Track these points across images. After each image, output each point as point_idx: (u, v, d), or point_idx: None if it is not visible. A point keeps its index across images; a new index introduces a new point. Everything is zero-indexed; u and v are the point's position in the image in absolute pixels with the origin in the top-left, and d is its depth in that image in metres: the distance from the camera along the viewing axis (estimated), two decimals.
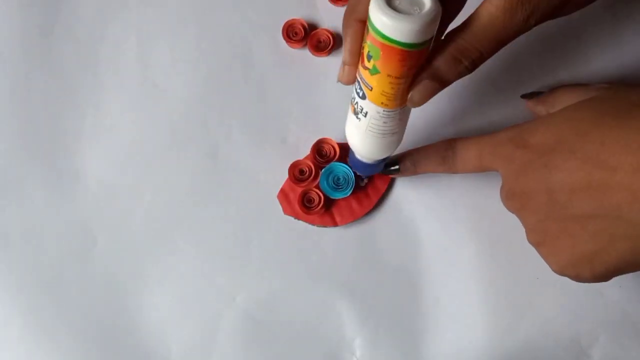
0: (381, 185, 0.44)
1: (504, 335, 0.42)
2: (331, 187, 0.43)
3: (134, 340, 0.44)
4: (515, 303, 0.43)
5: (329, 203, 0.44)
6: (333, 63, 0.46)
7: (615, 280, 0.42)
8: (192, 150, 0.46)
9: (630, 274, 0.42)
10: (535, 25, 0.32)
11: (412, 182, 0.44)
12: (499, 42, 0.32)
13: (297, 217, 0.44)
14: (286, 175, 0.44)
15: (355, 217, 0.44)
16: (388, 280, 0.44)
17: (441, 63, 0.32)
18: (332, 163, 0.43)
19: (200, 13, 0.47)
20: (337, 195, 0.43)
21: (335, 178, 0.43)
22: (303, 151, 0.45)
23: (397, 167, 0.41)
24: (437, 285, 0.43)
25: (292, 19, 0.46)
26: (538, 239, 0.34)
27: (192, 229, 0.45)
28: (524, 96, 0.43)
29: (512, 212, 0.36)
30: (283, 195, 0.44)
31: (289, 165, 0.44)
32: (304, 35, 0.46)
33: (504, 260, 0.43)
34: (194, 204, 0.45)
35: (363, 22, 0.33)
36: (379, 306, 0.43)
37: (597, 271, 0.32)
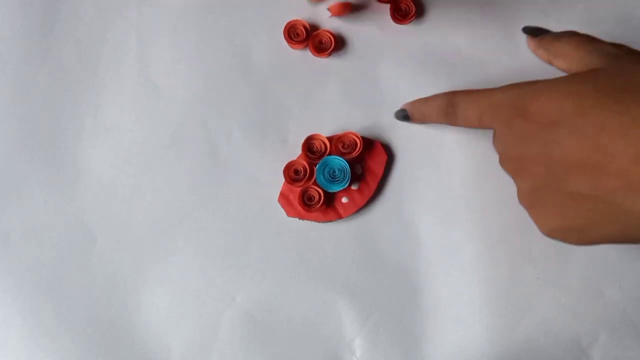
0: (377, 169, 0.44)
1: (504, 335, 0.42)
2: (328, 181, 0.43)
3: (133, 340, 0.44)
4: (515, 303, 0.43)
5: (330, 198, 0.44)
6: (334, 64, 0.46)
7: (615, 280, 0.43)
8: (192, 150, 0.46)
9: (631, 275, 0.43)
10: None
11: (411, 182, 0.45)
12: None
13: (300, 217, 0.44)
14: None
15: (358, 207, 0.44)
16: (388, 280, 0.44)
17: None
18: (326, 157, 0.43)
19: (201, 13, 0.47)
20: (335, 188, 0.43)
21: (331, 171, 0.43)
22: None
23: (406, 114, 0.42)
24: (437, 285, 0.43)
25: (294, 20, 0.46)
26: (530, 203, 0.34)
27: (192, 229, 0.45)
28: (525, 30, 0.41)
29: (506, 172, 0.36)
30: (283, 198, 0.44)
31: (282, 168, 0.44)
32: (306, 36, 0.46)
33: (504, 260, 0.43)
34: (194, 203, 0.45)
35: None
36: (379, 306, 0.43)
37: (584, 241, 0.32)
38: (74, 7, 0.48)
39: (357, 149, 0.44)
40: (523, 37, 0.44)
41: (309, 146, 0.44)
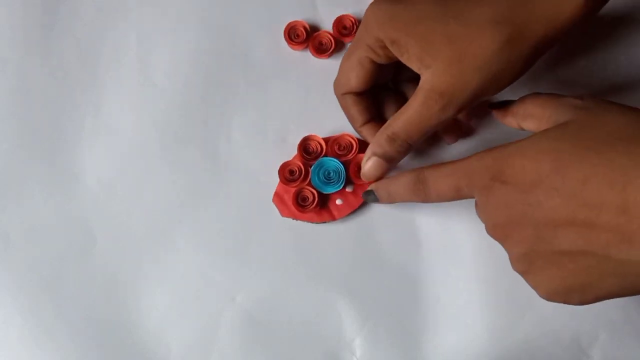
0: None
1: (504, 335, 0.42)
2: (323, 182, 0.43)
3: (133, 340, 0.44)
4: (515, 303, 0.43)
5: (324, 199, 0.44)
6: (334, 65, 0.46)
7: None
8: (192, 150, 0.46)
9: None
10: (456, 114, 0.36)
11: None
12: (421, 131, 0.38)
13: (294, 217, 0.44)
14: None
15: (352, 208, 0.44)
16: (388, 280, 0.44)
17: (381, 140, 0.39)
18: (322, 158, 0.43)
19: (201, 13, 0.47)
20: (330, 190, 0.43)
21: (326, 172, 0.43)
22: None
23: (374, 196, 0.41)
24: (437, 285, 0.43)
25: (294, 21, 0.46)
26: (524, 268, 0.33)
27: (192, 229, 0.45)
28: (491, 106, 0.40)
29: (495, 240, 0.35)
30: (278, 198, 0.44)
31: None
32: (306, 37, 0.46)
33: (504, 260, 0.43)
34: (194, 203, 0.45)
35: (351, 93, 0.41)
36: (379, 306, 0.43)
37: (587, 300, 0.32)
38: (74, 7, 0.48)
39: (353, 151, 0.44)
40: None
41: (305, 147, 0.44)
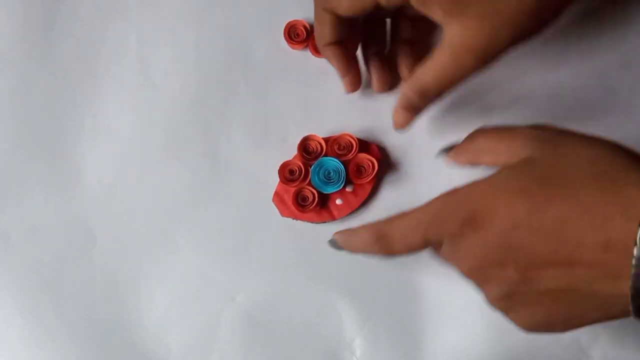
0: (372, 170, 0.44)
1: (504, 335, 0.42)
2: (323, 182, 0.43)
3: (133, 340, 0.44)
4: None
5: (324, 199, 0.44)
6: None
7: None
8: (192, 150, 0.46)
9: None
10: (486, 67, 0.36)
11: (410, 183, 0.45)
12: (453, 85, 0.37)
13: (294, 217, 0.44)
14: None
15: (352, 209, 0.44)
16: (388, 280, 0.44)
17: (412, 95, 0.38)
18: (322, 158, 0.43)
19: (201, 13, 0.47)
20: (330, 190, 0.43)
21: (326, 172, 0.43)
22: None
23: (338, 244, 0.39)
24: (437, 285, 0.43)
25: (294, 20, 0.46)
26: (505, 307, 0.33)
27: (192, 229, 0.45)
28: (441, 152, 0.39)
29: (473, 282, 0.34)
30: (278, 198, 0.44)
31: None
32: (306, 36, 0.46)
33: None
34: (194, 203, 0.45)
35: (334, 43, 0.40)
36: (379, 306, 0.43)
37: (570, 328, 0.32)
38: (74, 7, 0.48)
39: (353, 150, 0.43)
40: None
41: (305, 147, 0.44)
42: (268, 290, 0.44)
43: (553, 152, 0.31)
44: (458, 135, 0.45)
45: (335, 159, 0.43)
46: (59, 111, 0.46)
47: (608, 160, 0.30)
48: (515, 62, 0.45)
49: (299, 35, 0.46)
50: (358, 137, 0.44)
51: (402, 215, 0.34)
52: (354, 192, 0.44)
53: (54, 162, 0.46)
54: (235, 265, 0.44)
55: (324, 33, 0.40)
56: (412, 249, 0.35)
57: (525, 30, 0.35)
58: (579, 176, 0.29)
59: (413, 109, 0.39)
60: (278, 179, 0.44)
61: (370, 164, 0.43)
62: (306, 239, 0.44)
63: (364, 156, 0.43)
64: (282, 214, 0.44)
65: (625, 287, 0.28)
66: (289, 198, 0.44)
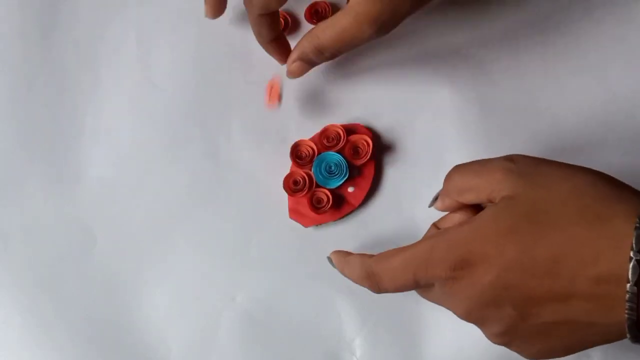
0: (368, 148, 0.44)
1: None
2: (327, 178, 0.43)
3: (133, 340, 0.44)
4: None
5: (338, 193, 0.44)
6: (334, 64, 0.46)
7: None
8: (192, 150, 0.46)
9: None
10: (385, 33, 0.38)
11: (411, 181, 0.44)
12: (350, 47, 0.39)
13: (318, 223, 0.44)
14: (286, 173, 0.44)
15: (366, 190, 0.44)
16: None
17: (308, 50, 0.40)
18: (322, 153, 0.43)
19: (200, 13, 0.47)
20: (336, 183, 0.43)
21: (328, 166, 0.43)
22: None
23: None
24: None
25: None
26: (507, 341, 0.33)
27: (192, 229, 0.45)
28: (433, 202, 0.39)
29: (471, 323, 0.34)
30: (294, 213, 0.44)
31: (282, 181, 0.44)
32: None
33: None
34: (194, 203, 0.45)
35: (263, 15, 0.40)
36: (379, 306, 0.43)
37: (571, 353, 0.32)
38: (74, 7, 0.48)
39: (342, 138, 0.43)
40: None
41: (297, 153, 0.44)
42: (268, 290, 0.44)
43: (533, 185, 0.31)
44: (459, 131, 0.45)
45: (332, 152, 0.43)
46: (59, 111, 0.46)
47: (590, 192, 0.30)
48: (515, 62, 0.45)
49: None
50: (342, 124, 0.44)
51: (388, 257, 0.35)
52: (361, 175, 0.44)
53: (54, 162, 0.46)
54: (235, 265, 0.44)
55: (264, 32, 0.42)
56: (401, 289, 0.35)
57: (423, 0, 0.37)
58: (563, 212, 0.30)
59: (308, 62, 0.41)
60: (278, 179, 0.44)
61: (365, 142, 0.44)
62: (306, 239, 0.44)
63: (355, 137, 0.44)
64: (305, 225, 0.44)
65: (621, 316, 0.29)
66: (303, 207, 0.44)
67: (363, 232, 0.44)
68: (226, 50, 0.47)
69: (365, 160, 0.43)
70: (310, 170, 0.44)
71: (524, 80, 0.45)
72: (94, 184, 0.46)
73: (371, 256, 0.36)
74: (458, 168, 0.36)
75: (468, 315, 0.33)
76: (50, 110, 0.46)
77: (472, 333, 0.42)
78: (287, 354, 0.43)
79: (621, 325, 0.29)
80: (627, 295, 0.28)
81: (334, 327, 0.43)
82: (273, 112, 0.46)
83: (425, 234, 0.38)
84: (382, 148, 0.45)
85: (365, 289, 0.44)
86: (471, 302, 0.32)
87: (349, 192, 0.44)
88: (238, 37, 0.47)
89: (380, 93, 0.45)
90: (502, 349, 0.41)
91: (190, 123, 0.46)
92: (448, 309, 0.34)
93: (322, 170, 0.43)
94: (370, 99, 0.45)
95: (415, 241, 0.44)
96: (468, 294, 0.32)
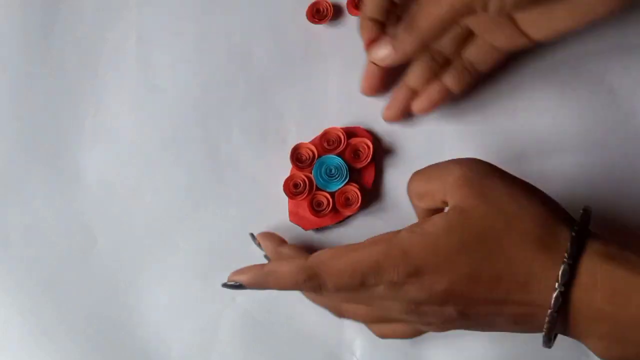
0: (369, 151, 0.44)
1: (504, 335, 0.42)
2: (327, 181, 0.43)
3: (133, 340, 0.44)
4: None
5: (338, 196, 0.43)
6: (335, 64, 0.46)
7: None
8: (192, 151, 0.46)
9: None
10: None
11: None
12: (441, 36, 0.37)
13: (319, 226, 0.44)
14: (286, 174, 0.44)
15: (368, 187, 0.44)
16: None
17: (406, 40, 0.37)
18: (323, 156, 0.43)
19: (200, 13, 0.47)
20: (336, 186, 0.43)
21: (328, 169, 0.43)
22: None
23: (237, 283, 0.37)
24: None
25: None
26: (434, 329, 0.36)
27: (192, 229, 0.45)
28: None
29: (412, 319, 0.35)
30: (294, 216, 0.44)
31: (282, 185, 0.44)
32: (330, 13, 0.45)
33: None
34: (194, 204, 0.45)
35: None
36: None
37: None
38: (74, 7, 0.48)
39: (343, 141, 0.43)
40: None
41: (297, 156, 0.44)
42: (268, 290, 0.44)
43: (483, 199, 0.32)
44: (460, 130, 0.45)
45: (332, 155, 0.43)
46: (59, 111, 0.46)
47: (532, 216, 0.32)
48: (515, 62, 0.45)
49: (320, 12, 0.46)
50: (343, 127, 0.44)
51: (337, 257, 0.34)
52: (361, 177, 0.44)
53: (54, 162, 0.46)
54: (235, 265, 0.44)
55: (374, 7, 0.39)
56: (341, 291, 0.34)
57: None
58: (508, 234, 0.31)
59: (403, 54, 0.38)
60: (278, 179, 0.44)
61: (365, 145, 0.43)
62: (306, 239, 0.44)
63: (356, 140, 0.44)
64: (305, 228, 0.44)
65: (541, 329, 0.32)
66: (304, 211, 0.43)
67: (363, 235, 0.44)
68: (226, 50, 0.47)
69: (366, 163, 0.43)
70: (311, 173, 0.43)
71: (524, 82, 0.45)
72: (94, 184, 0.46)
73: (306, 257, 0.34)
74: (416, 174, 0.37)
75: (408, 312, 0.34)
76: (51, 111, 0.46)
77: (472, 333, 0.42)
78: (287, 354, 0.43)
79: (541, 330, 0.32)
80: (547, 319, 0.31)
81: (334, 327, 0.43)
82: (273, 112, 0.46)
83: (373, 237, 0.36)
84: (382, 151, 0.45)
85: None
86: (416, 301, 0.33)
87: (350, 195, 0.44)
88: (238, 37, 0.47)
89: (381, 96, 0.45)
90: (502, 349, 0.41)
91: (191, 123, 0.46)
92: (387, 306, 0.34)
93: (323, 173, 0.43)
94: (371, 102, 0.45)
95: None
96: (414, 296, 0.33)
